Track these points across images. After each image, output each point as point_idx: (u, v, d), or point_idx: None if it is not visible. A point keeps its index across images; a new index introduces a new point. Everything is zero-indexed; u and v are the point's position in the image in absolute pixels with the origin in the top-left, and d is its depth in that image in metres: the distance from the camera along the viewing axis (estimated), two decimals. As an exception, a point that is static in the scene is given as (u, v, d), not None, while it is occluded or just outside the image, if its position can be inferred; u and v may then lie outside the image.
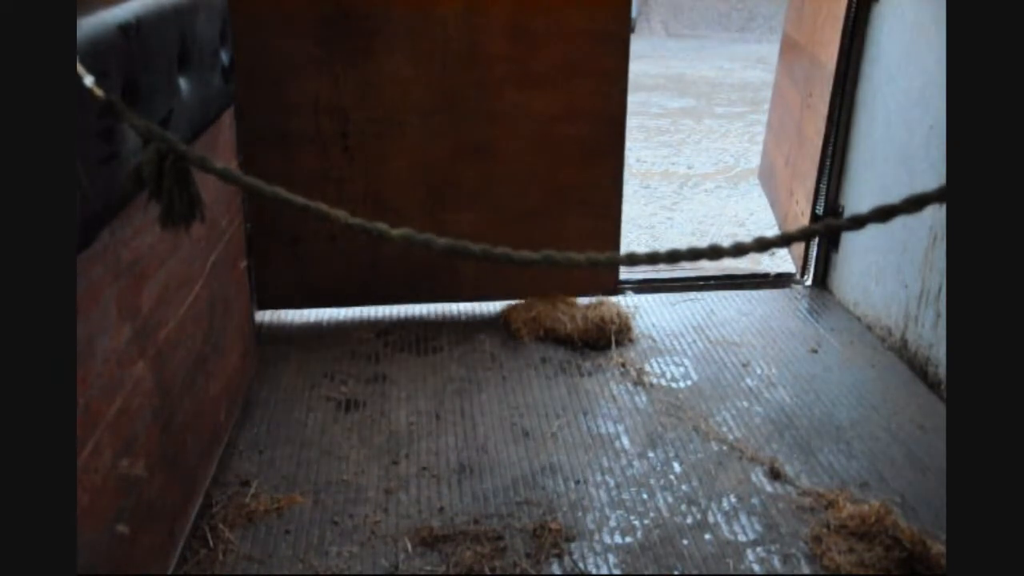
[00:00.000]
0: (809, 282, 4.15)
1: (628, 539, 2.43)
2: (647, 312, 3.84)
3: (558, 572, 2.31)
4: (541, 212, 3.67)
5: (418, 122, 3.48)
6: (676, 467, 2.75)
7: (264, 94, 3.36)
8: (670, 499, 2.60)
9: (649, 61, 13.01)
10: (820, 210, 4.00)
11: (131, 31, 1.79)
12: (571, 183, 3.65)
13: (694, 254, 1.35)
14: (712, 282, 4.14)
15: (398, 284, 3.71)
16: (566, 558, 2.35)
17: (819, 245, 4.10)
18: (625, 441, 2.89)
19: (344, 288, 3.71)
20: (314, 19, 3.31)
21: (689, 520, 2.51)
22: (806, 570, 2.33)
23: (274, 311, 3.75)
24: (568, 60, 3.49)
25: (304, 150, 3.46)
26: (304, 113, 3.42)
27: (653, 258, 1.37)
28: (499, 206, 3.64)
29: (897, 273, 3.45)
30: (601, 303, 3.67)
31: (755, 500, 2.60)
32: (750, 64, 12.58)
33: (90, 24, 1.62)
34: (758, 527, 2.49)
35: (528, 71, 3.49)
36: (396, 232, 1.39)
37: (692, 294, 4.02)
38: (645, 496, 2.61)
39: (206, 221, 1.59)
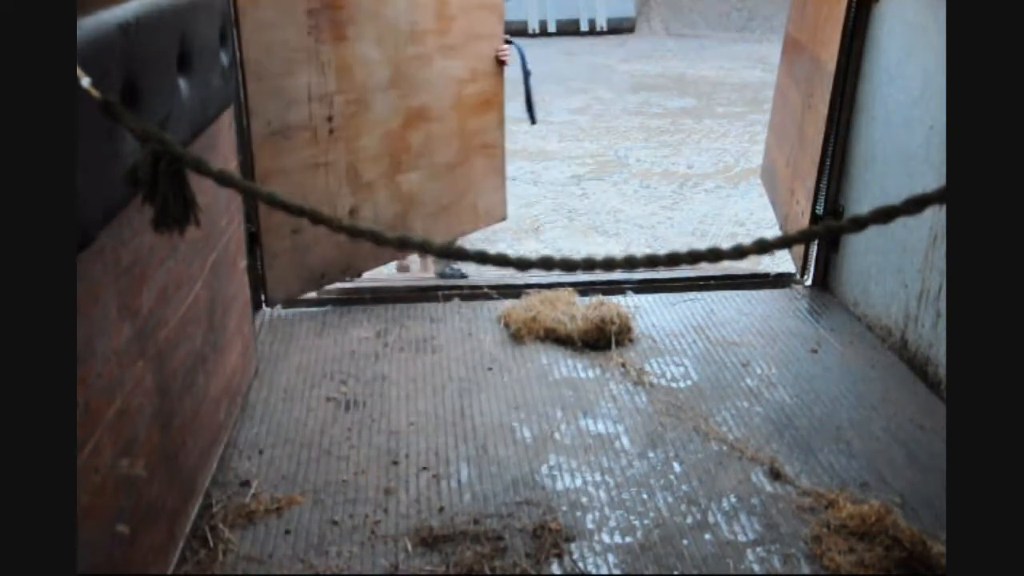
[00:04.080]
0: (809, 282, 4.15)
1: (628, 539, 2.43)
2: (647, 312, 3.83)
3: (558, 572, 2.31)
4: (461, 161, 4.22)
5: (380, 98, 3.78)
6: (676, 467, 2.75)
7: (267, 89, 3.37)
8: (670, 499, 2.60)
9: (649, 61, 13.01)
10: (820, 210, 4.00)
11: (131, 31, 1.79)
12: (475, 131, 4.24)
13: (693, 257, 1.35)
14: (712, 282, 4.14)
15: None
16: (566, 558, 2.35)
17: (819, 245, 4.10)
18: (625, 441, 2.89)
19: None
20: (306, 10, 3.42)
21: (689, 520, 2.51)
22: (806, 570, 2.33)
23: (274, 311, 3.75)
24: (470, 29, 4.07)
25: (301, 138, 3.52)
26: (301, 103, 3.48)
27: (652, 261, 1.37)
28: (435, 162, 4.09)
29: (897, 273, 3.45)
30: (601, 303, 3.67)
31: (755, 500, 2.60)
32: (750, 64, 12.58)
33: (90, 24, 1.62)
34: (758, 527, 2.48)
35: (447, 42, 4.00)
36: (392, 235, 1.39)
37: (692, 294, 4.02)
38: (645, 496, 2.61)
39: (201, 224, 1.59)
